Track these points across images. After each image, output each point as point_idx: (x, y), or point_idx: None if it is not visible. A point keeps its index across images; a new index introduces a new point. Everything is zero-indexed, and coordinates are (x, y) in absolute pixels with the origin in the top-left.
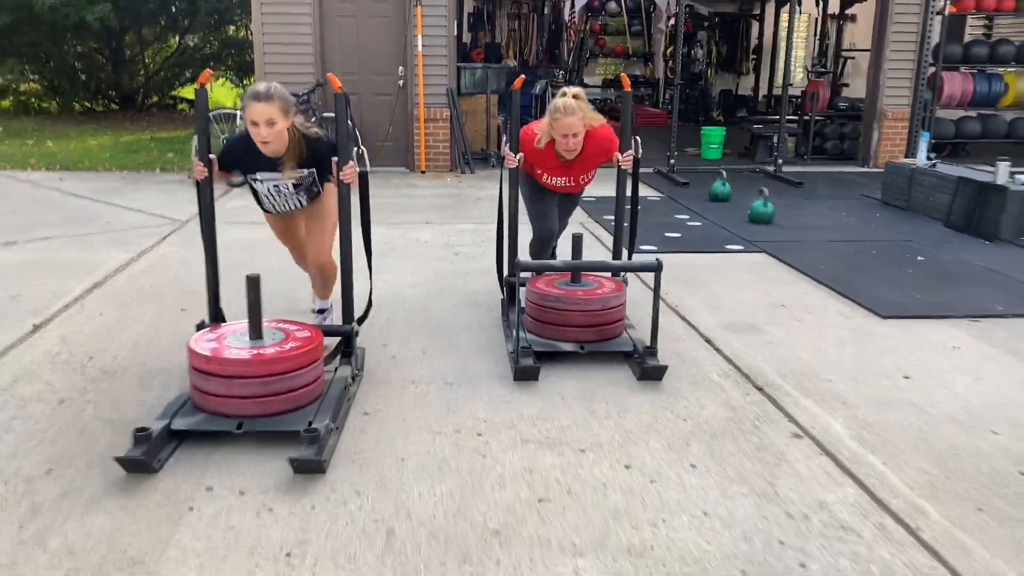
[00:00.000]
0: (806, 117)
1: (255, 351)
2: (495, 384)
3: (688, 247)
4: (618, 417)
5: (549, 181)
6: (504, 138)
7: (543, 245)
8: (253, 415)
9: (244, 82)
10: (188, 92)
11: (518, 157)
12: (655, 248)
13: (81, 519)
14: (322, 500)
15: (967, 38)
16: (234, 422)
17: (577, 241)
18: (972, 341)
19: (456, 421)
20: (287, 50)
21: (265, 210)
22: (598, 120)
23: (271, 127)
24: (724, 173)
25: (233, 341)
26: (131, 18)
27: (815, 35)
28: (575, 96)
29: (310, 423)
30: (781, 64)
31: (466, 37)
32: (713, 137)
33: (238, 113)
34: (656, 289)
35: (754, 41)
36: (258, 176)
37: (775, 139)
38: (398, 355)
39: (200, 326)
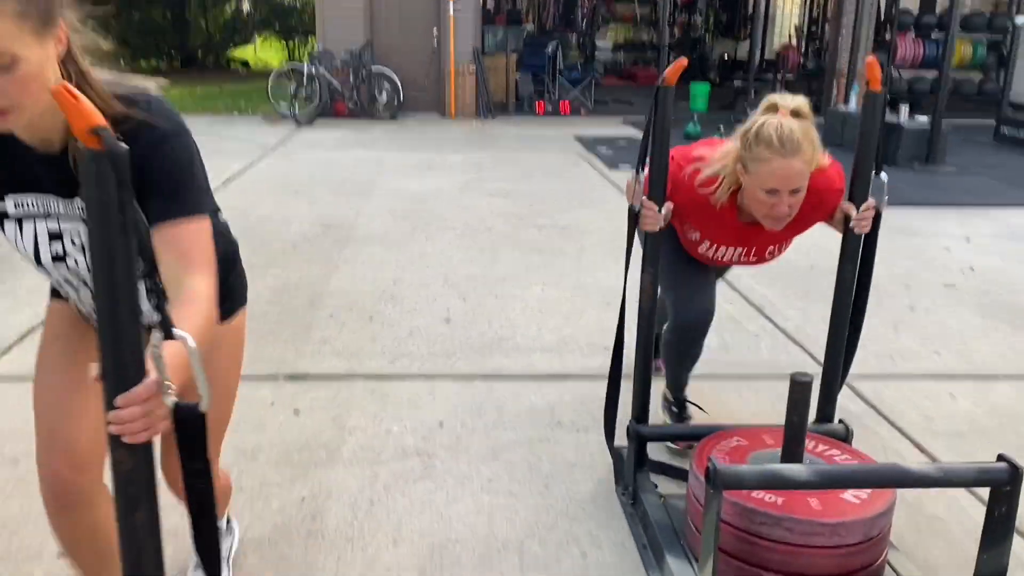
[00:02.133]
0: (778, 76)
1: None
2: None
3: None
4: None
5: (708, 251)
6: (637, 174)
7: (692, 338)
8: None
9: (289, 43)
10: (241, 53)
11: (664, 212)
12: (630, 167)
13: None
14: None
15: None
16: None
17: (802, 389)
18: None
19: None
20: (342, 14)
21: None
22: (823, 159)
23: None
24: (696, 116)
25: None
26: None
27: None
28: (796, 113)
29: None
30: (778, 29)
31: (490, 4)
32: (699, 91)
33: (305, 66)
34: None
35: (751, 9)
36: (7, 205)
37: (751, 94)
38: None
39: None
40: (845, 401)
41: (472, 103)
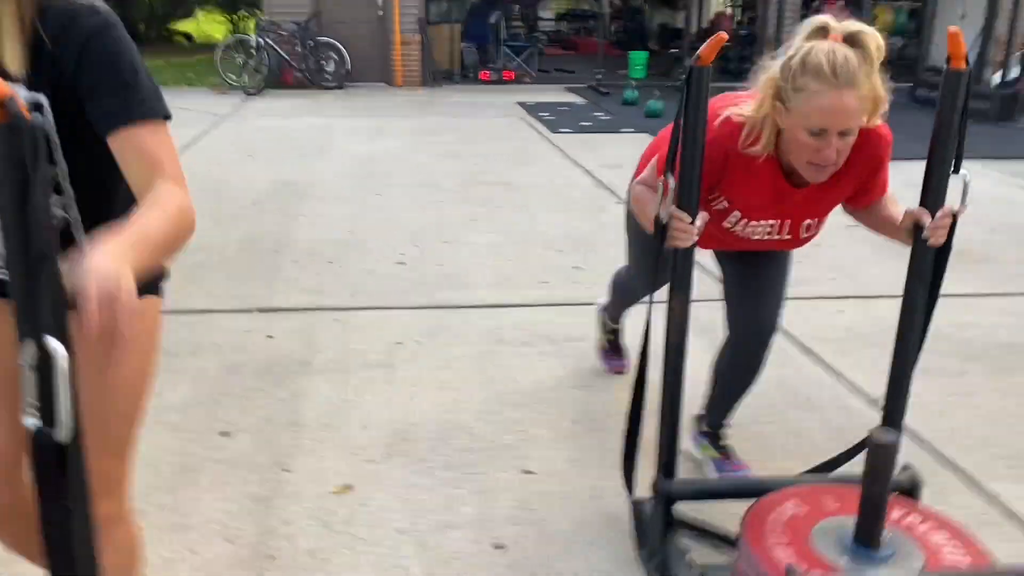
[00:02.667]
0: None
1: None
2: None
3: (594, 130)
4: None
5: (737, 226)
6: (664, 177)
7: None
8: None
9: (232, 17)
10: (182, 26)
11: (699, 224)
12: (570, 130)
13: None
14: None
15: None
16: None
17: (885, 453)
18: None
19: None
20: None
21: None
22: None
23: None
24: (633, 83)
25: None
26: None
27: None
28: (852, 41)
29: None
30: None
31: None
32: (637, 59)
33: (252, 38)
34: None
35: None
36: None
37: (686, 61)
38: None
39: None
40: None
41: (418, 72)
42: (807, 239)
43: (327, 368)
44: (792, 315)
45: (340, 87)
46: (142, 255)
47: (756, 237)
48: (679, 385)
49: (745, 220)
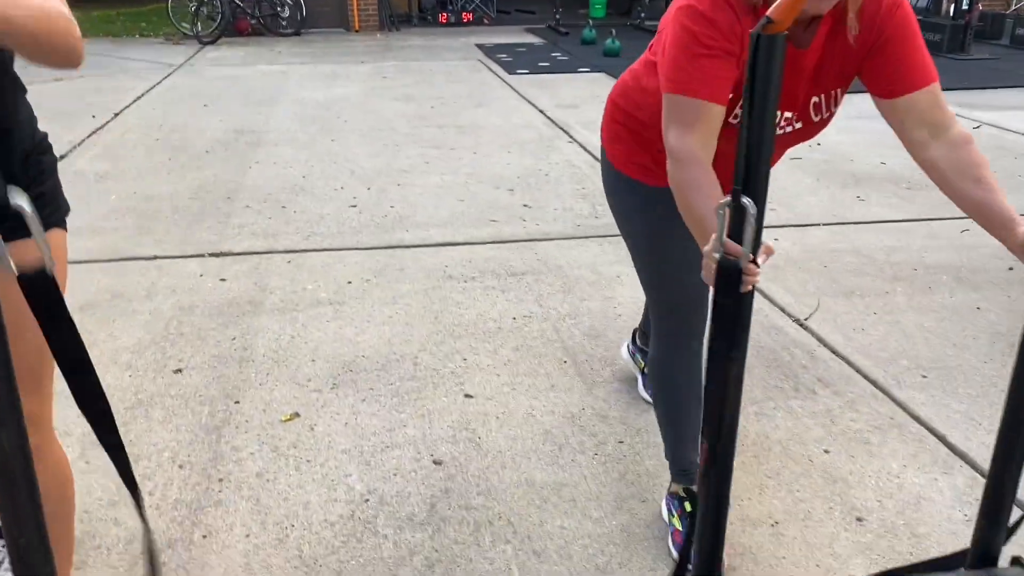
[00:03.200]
0: None
1: None
2: None
3: (551, 70)
4: None
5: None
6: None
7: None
8: None
9: None
10: None
11: (765, 259)
12: (527, 71)
13: None
14: None
15: None
16: None
17: None
18: None
19: None
20: None
21: None
22: None
23: None
24: (591, 22)
25: None
26: None
27: None
28: None
29: None
30: None
31: None
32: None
33: None
34: None
35: None
36: None
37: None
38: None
39: None
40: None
41: (376, 16)
42: (818, 125)
43: (278, 307)
44: None
45: (296, 34)
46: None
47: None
48: (727, 472)
49: None
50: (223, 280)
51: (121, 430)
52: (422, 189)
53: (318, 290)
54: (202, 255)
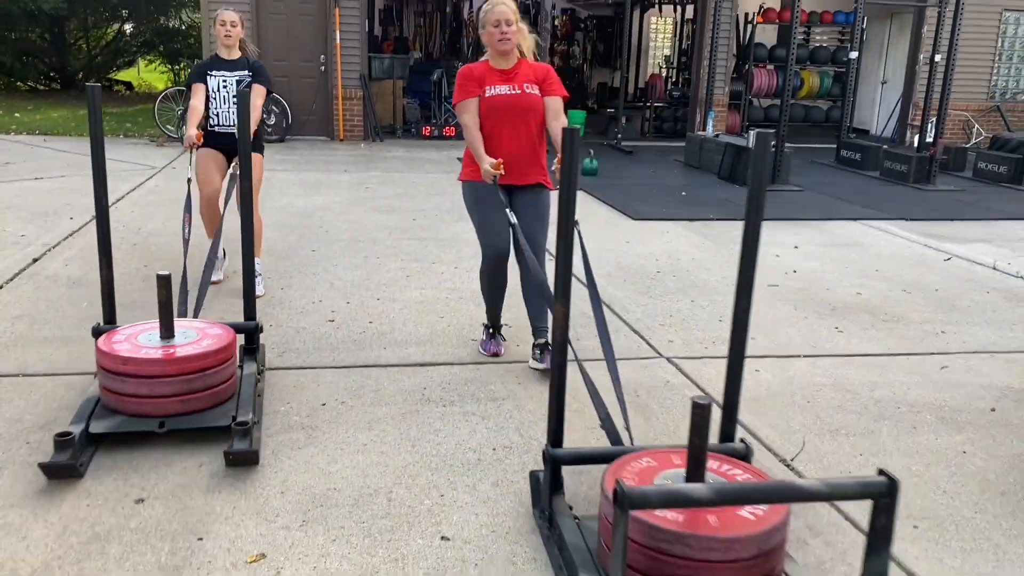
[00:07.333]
0: (647, 103)
1: (173, 349)
2: None
3: None
4: None
5: (495, 92)
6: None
7: (495, 271)
8: (175, 414)
9: (175, 67)
10: (123, 75)
11: (495, 169)
12: None
13: None
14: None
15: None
16: (155, 422)
17: (702, 412)
18: (679, 229)
19: None
20: None
21: (208, 128)
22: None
23: (234, 27)
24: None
25: (146, 341)
26: (77, 4)
27: (676, 36)
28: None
29: (234, 417)
30: (651, 60)
31: (377, 31)
32: (576, 119)
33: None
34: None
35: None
36: (213, 72)
37: (622, 120)
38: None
39: (96, 330)
40: (670, 376)
41: (360, 126)
42: (536, 135)
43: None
44: (710, 373)
45: (281, 140)
46: None
47: (505, 92)
48: (563, 370)
49: (494, 87)
50: None
51: (74, 569)
52: (402, 304)
53: (291, 412)
54: None
